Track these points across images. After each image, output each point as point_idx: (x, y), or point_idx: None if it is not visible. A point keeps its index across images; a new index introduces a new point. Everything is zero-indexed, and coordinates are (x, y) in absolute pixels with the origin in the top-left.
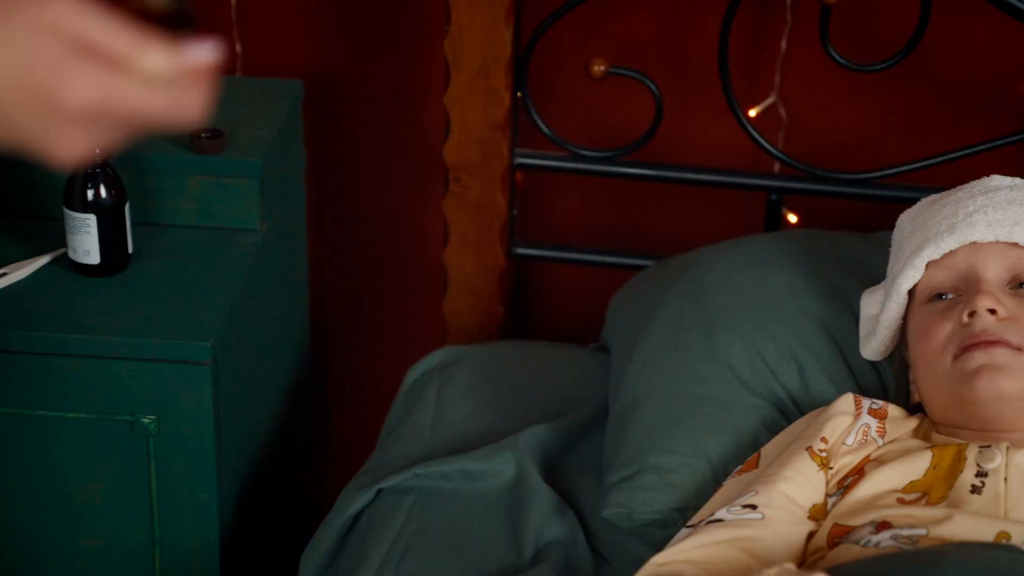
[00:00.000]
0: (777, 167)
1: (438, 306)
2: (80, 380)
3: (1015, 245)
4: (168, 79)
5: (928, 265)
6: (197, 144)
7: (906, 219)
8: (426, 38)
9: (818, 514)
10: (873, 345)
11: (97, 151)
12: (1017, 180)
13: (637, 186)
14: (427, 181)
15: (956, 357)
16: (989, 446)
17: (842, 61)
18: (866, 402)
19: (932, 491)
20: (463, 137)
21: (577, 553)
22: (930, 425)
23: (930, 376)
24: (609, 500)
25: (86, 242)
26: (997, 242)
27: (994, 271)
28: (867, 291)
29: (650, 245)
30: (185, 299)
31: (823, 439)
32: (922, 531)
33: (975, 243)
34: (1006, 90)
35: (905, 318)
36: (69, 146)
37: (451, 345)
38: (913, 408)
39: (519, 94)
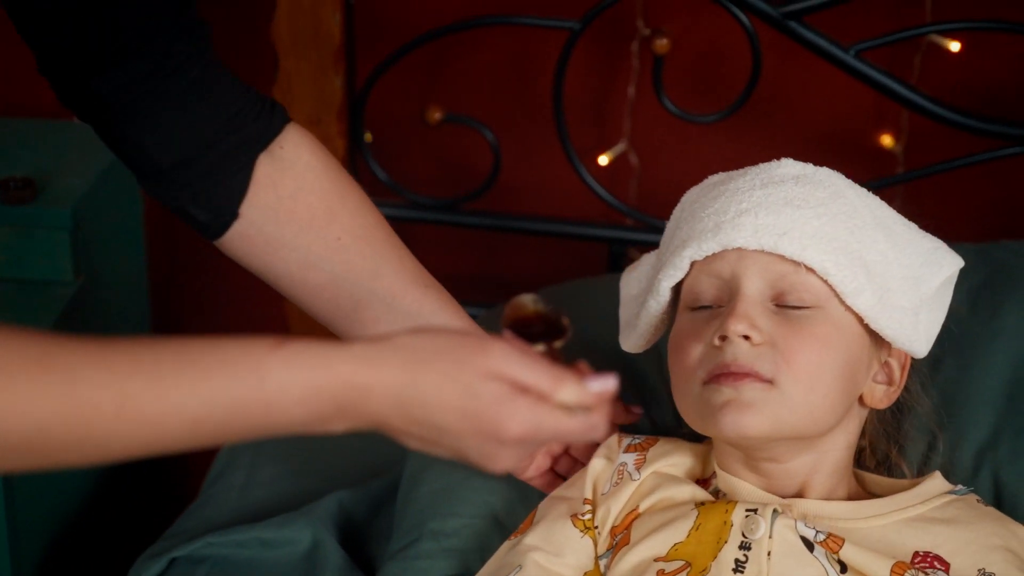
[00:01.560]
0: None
1: None
2: None
3: (782, 257)
4: (580, 406)
5: (693, 265)
6: (5, 194)
7: (688, 199)
8: (263, 82)
9: None
10: (632, 339)
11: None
12: (808, 169)
13: (492, 235)
14: None
15: (705, 383)
16: (755, 510)
17: (675, 110)
18: (627, 439)
19: (696, 560)
20: None
21: None
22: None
23: (682, 399)
24: (383, 573)
25: None
26: (763, 251)
27: (756, 286)
28: (629, 267)
29: (504, 295)
30: None
31: (586, 501)
32: None
33: (740, 249)
34: (861, 137)
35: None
36: (503, 463)
37: None
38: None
39: (368, 138)
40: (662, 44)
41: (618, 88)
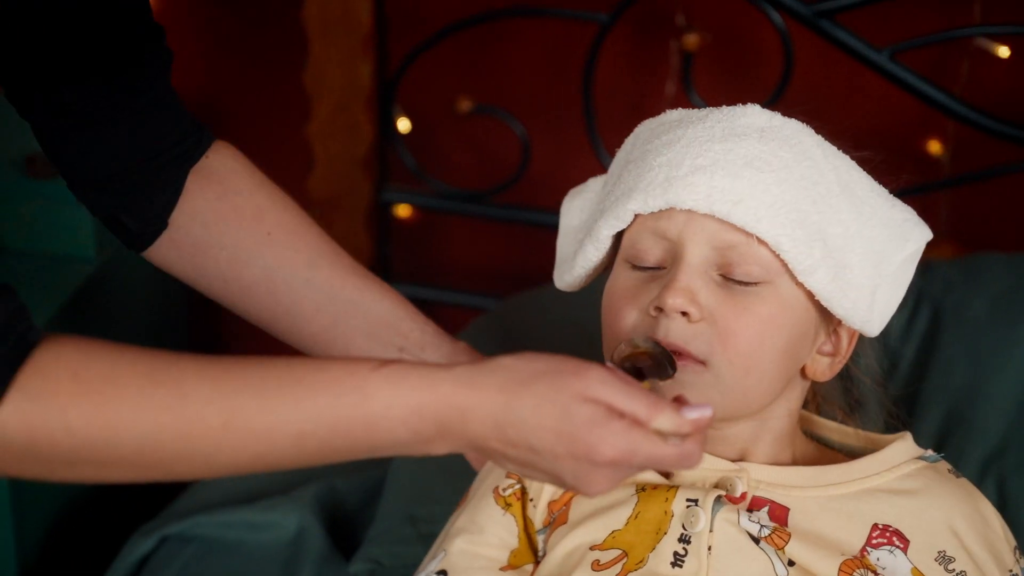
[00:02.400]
0: None
1: None
2: None
3: (734, 226)
4: (675, 434)
5: (637, 217)
6: (31, 169)
7: (642, 134)
8: (293, 69)
9: (520, 560)
10: (567, 278)
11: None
12: (776, 120)
13: (518, 228)
14: None
15: None
16: (696, 502)
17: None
18: None
19: (633, 551)
20: (327, 171)
21: None
22: None
23: (608, 355)
24: (358, 556)
25: None
26: (714, 217)
27: (701, 254)
28: (573, 191)
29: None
30: None
31: (510, 475)
32: None
33: (690, 211)
34: (906, 143)
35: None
36: (597, 487)
37: None
38: None
39: (406, 126)
40: (692, 40)
41: (657, 85)
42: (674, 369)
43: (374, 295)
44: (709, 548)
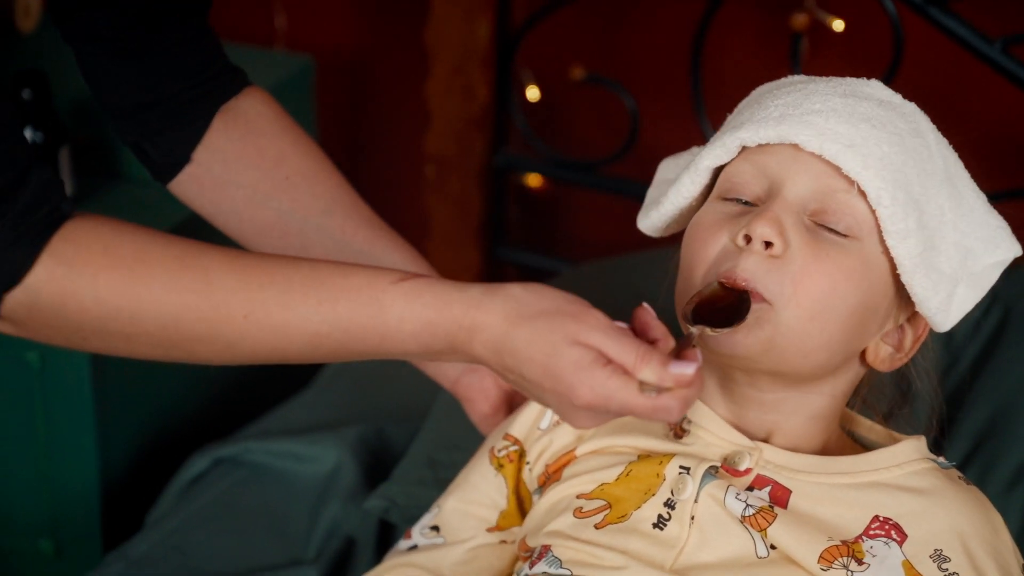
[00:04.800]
0: None
1: None
2: None
3: (838, 171)
4: (656, 387)
5: (743, 151)
6: None
7: (760, 90)
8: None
9: (508, 522)
10: (652, 217)
11: None
12: (896, 98)
13: (625, 201)
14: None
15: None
16: (688, 470)
17: None
18: None
19: (618, 504)
20: (442, 129)
21: (360, 553)
22: None
23: (683, 291)
24: (376, 492)
25: None
26: (821, 157)
27: (800, 193)
28: (674, 156)
29: None
30: None
31: (507, 436)
32: (566, 572)
33: (797, 147)
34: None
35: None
36: (578, 423)
37: None
38: None
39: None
40: (802, 20)
41: (766, 64)
42: (744, 315)
43: (385, 247)
44: (692, 518)
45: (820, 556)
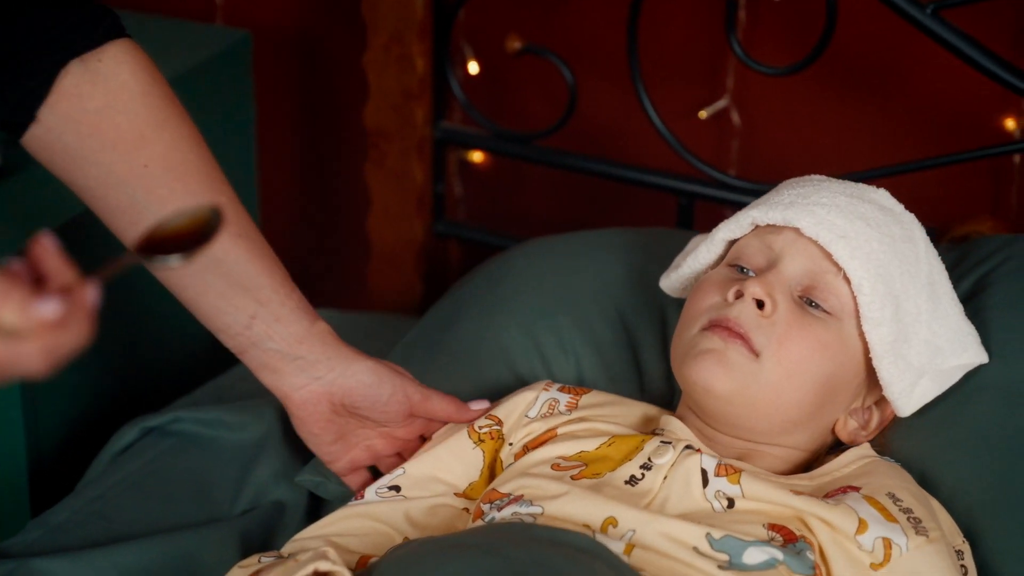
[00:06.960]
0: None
1: (364, 274)
2: None
3: (830, 257)
4: (17, 332)
5: (755, 229)
6: None
7: (790, 180)
8: None
9: (476, 492)
10: (671, 278)
11: None
12: (898, 207)
13: (559, 174)
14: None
15: (703, 329)
16: (669, 443)
17: (753, 64)
18: (557, 384)
19: (594, 464)
20: (380, 102)
21: (290, 515)
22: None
23: (678, 339)
24: (306, 468)
25: None
26: (817, 242)
27: (795, 268)
28: (702, 235)
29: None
30: None
31: (491, 416)
32: (538, 509)
33: (799, 231)
34: (980, 119)
35: None
36: None
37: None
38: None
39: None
40: None
41: (717, 35)
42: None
43: (241, 254)
44: (665, 477)
45: (768, 527)
